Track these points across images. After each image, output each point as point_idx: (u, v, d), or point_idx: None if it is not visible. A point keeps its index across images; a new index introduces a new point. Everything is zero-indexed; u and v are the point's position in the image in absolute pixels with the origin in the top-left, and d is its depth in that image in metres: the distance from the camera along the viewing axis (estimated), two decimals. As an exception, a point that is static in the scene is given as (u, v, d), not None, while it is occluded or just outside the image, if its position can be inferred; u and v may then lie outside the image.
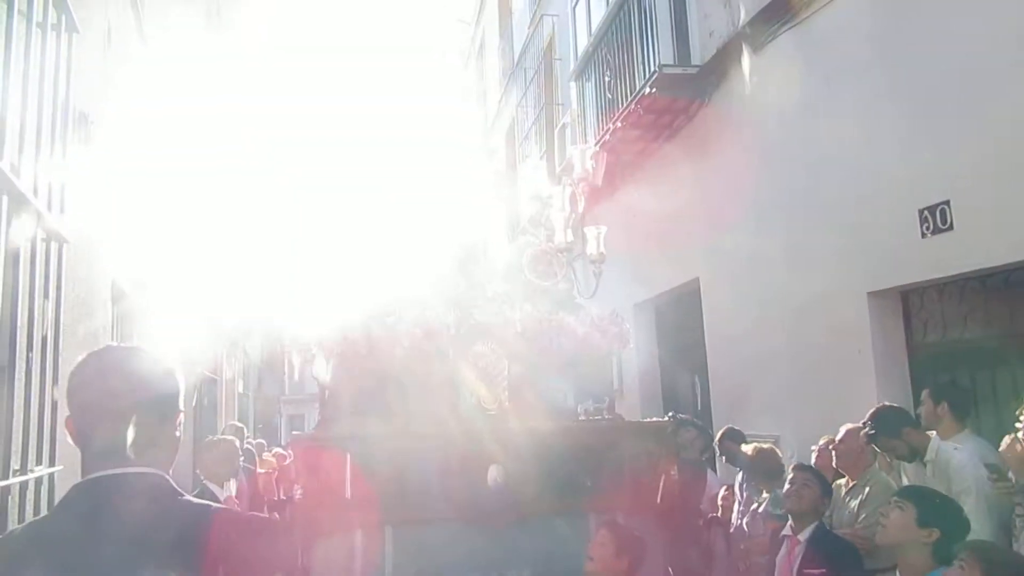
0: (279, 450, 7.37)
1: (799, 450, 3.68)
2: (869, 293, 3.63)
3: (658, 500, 2.73)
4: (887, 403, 2.88)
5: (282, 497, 5.49)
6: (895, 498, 2.06)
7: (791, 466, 2.85)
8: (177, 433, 1.10)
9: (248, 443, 6.09)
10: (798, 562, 2.52)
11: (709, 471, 4.10)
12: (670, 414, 4.56)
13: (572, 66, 7.01)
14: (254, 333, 12.59)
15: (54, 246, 2.30)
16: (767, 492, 3.22)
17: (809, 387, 4.02)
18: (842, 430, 2.97)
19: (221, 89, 7.70)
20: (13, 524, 1.90)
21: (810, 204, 4.06)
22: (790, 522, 2.65)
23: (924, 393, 2.81)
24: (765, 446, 3.43)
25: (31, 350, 2.09)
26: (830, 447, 3.04)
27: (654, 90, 5.03)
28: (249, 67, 11.10)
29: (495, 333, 2.92)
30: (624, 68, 5.60)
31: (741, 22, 4.62)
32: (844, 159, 3.76)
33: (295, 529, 2.54)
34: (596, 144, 5.89)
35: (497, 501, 2.61)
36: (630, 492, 2.73)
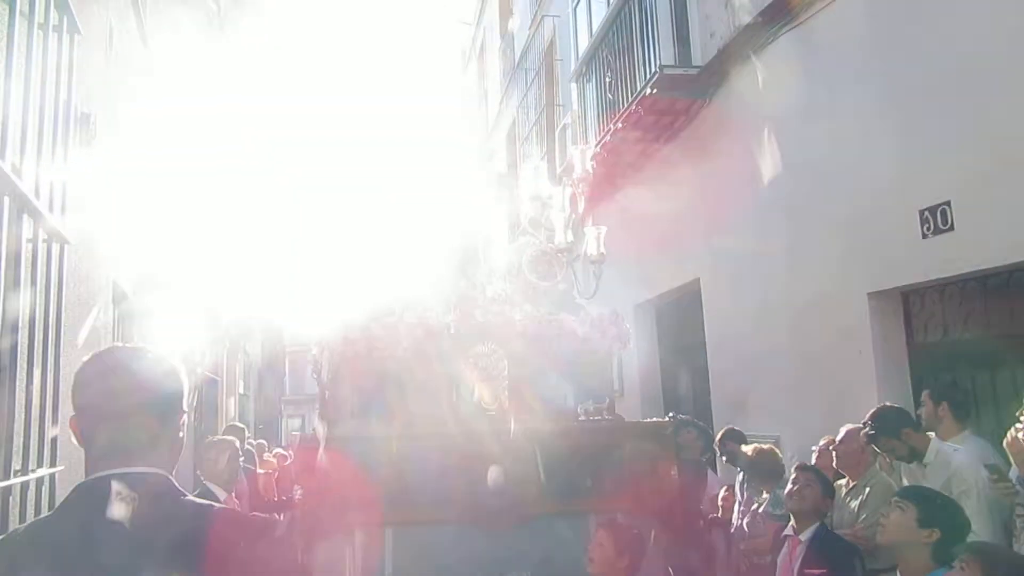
0: (280, 451, 7.39)
1: (799, 451, 3.67)
2: (869, 293, 3.63)
3: (658, 501, 2.73)
4: (888, 403, 2.88)
5: (282, 497, 5.50)
6: (895, 499, 2.06)
7: (793, 466, 2.84)
8: (181, 434, 1.11)
9: (249, 443, 6.09)
10: (799, 562, 2.51)
11: (710, 472, 4.09)
12: (671, 414, 4.56)
13: (573, 67, 7.01)
14: (254, 333, 12.60)
15: (55, 247, 2.30)
16: (767, 492, 3.22)
17: (809, 388, 4.02)
18: (842, 431, 2.97)
19: (222, 90, 7.71)
20: (14, 524, 1.90)
21: (810, 205, 4.06)
22: (792, 522, 2.65)
23: (924, 394, 2.81)
24: (765, 446, 3.43)
25: (32, 350, 2.09)
26: (830, 448, 3.04)
27: (655, 91, 5.03)
28: (250, 68, 11.12)
29: (495, 333, 2.92)
30: (625, 69, 5.61)
31: (742, 23, 4.63)
32: (844, 159, 3.77)
33: (295, 530, 2.54)
34: (597, 145, 5.89)
35: (497, 502, 2.61)
36: (630, 493, 2.73)
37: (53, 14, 2.24)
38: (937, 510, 1.95)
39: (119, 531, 0.95)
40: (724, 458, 4.04)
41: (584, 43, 6.68)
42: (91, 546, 0.94)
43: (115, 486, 0.99)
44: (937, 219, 3.16)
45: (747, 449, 3.46)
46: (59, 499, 2.24)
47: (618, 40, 5.80)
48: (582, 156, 3.44)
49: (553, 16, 8.44)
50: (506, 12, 11.39)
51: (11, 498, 1.96)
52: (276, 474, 6.25)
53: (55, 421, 2.26)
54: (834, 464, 2.98)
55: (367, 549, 2.59)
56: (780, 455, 3.41)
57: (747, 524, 3.32)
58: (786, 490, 2.69)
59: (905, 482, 2.65)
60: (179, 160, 5.45)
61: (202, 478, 3.49)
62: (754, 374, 4.54)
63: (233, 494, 3.74)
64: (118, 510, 0.97)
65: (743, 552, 3.30)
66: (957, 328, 3.44)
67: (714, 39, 5.01)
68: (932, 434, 2.65)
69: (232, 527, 1.04)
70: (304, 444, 2.92)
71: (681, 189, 5.49)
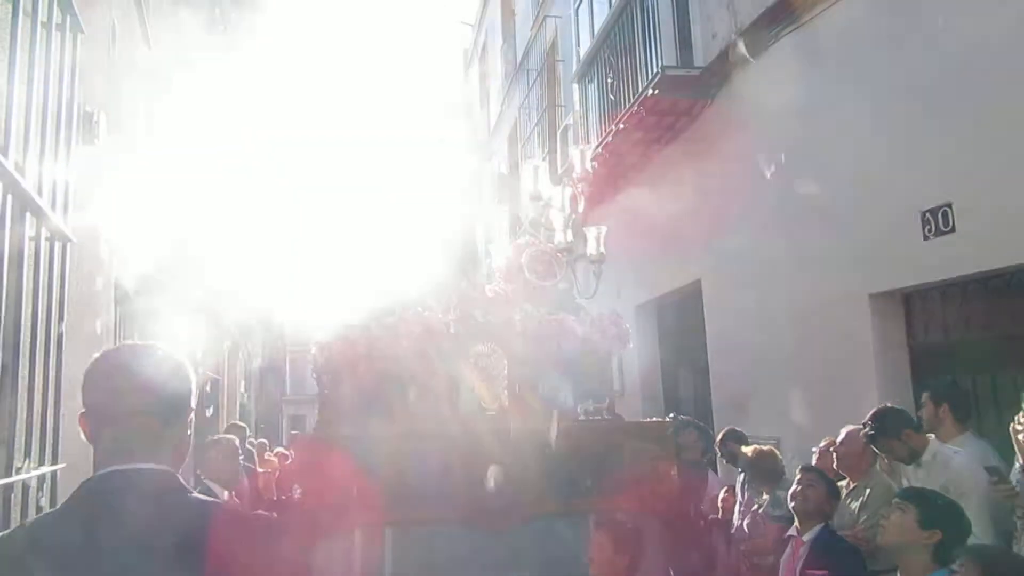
0: (281, 450, 7.39)
1: (800, 452, 3.67)
2: (871, 295, 3.62)
3: (658, 501, 2.73)
4: (888, 404, 2.87)
5: (281, 497, 5.50)
6: (896, 500, 2.06)
7: (798, 467, 2.84)
8: (188, 432, 1.11)
9: (250, 442, 6.10)
10: (801, 563, 2.51)
11: (710, 472, 4.09)
12: (671, 415, 4.55)
13: (575, 68, 7.02)
14: (256, 333, 12.61)
15: (58, 245, 2.31)
16: (767, 493, 3.22)
17: (810, 389, 4.02)
18: (843, 432, 2.96)
19: (225, 90, 7.72)
20: (16, 522, 1.91)
21: (812, 206, 4.06)
22: (795, 523, 2.64)
23: (925, 395, 2.81)
24: (765, 448, 3.42)
25: (35, 349, 2.10)
26: (831, 449, 3.04)
27: (657, 91, 5.03)
28: (252, 69, 11.13)
29: (495, 333, 2.92)
30: (627, 70, 5.61)
31: (743, 24, 4.63)
32: (846, 161, 3.76)
33: (294, 529, 2.54)
34: (599, 146, 5.90)
35: (497, 502, 2.61)
36: (630, 493, 2.73)
37: (56, 13, 2.25)
38: (938, 511, 1.95)
39: (122, 527, 0.95)
40: (724, 459, 4.03)
41: (586, 44, 6.69)
42: (94, 542, 0.94)
43: (120, 482, 1.00)
44: (938, 221, 3.16)
45: (747, 450, 3.45)
46: (61, 497, 2.25)
47: (620, 41, 5.81)
48: (582, 156, 3.44)
49: (555, 17, 8.45)
50: (508, 13, 11.40)
51: (13, 496, 1.97)
52: (277, 474, 6.25)
53: (57, 419, 2.27)
54: (835, 465, 2.98)
55: (367, 549, 2.59)
56: (780, 456, 3.41)
57: (747, 525, 3.32)
58: (790, 490, 2.69)
59: (905, 484, 2.65)
60: (181, 160, 5.47)
61: (202, 477, 3.49)
62: (755, 375, 4.53)
63: (233, 493, 3.75)
64: (122, 506, 0.97)
65: (743, 553, 3.30)
66: (958, 329, 3.43)
67: (716, 40, 5.01)
68: (932, 436, 2.65)
69: (235, 525, 1.05)
70: (303, 444, 2.92)
71: (683, 190, 5.49)
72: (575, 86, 7.06)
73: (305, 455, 2.76)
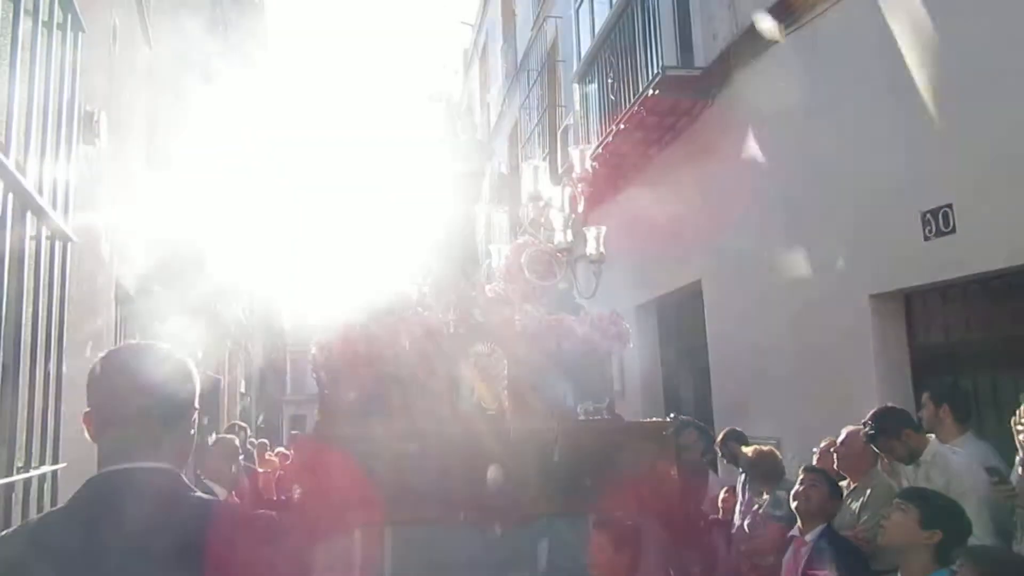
0: (282, 450, 7.40)
1: (800, 452, 3.67)
2: (871, 295, 3.62)
3: (658, 501, 2.73)
4: (889, 404, 2.87)
5: (281, 497, 5.50)
6: (897, 500, 2.06)
7: (800, 467, 2.84)
8: (192, 431, 1.11)
9: (250, 442, 6.10)
10: (803, 563, 2.51)
11: (710, 472, 4.09)
12: (672, 415, 4.55)
13: (575, 68, 7.02)
14: (256, 333, 12.62)
15: (58, 245, 2.31)
16: (767, 494, 3.22)
17: (811, 389, 4.02)
18: (843, 432, 2.96)
19: (225, 90, 7.72)
20: (16, 521, 1.91)
21: (813, 206, 4.06)
22: (798, 523, 2.64)
23: (925, 396, 2.80)
24: (765, 448, 3.42)
25: (35, 348, 2.10)
26: (831, 449, 3.03)
27: (657, 92, 5.03)
28: (253, 69, 11.14)
29: (495, 333, 2.92)
30: (627, 70, 5.61)
31: (744, 24, 4.63)
32: (846, 161, 3.76)
33: (295, 529, 2.54)
34: (599, 146, 5.90)
35: (497, 501, 2.61)
36: (630, 493, 2.72)
37: (57, 12, 2.25)
38: (939, 511, 1.95)
39: (124, 526, 0.96)
40: (725, 459, 4.03)
41: (586, 44, 6.69)
42: (96, 541, 0.94)
43: (123, 481, 1.00)
44: (939, 221, 3.16)
45: (747, 450, 3.45)
46: (61, 496, 2.25)
47: (620, 41, 5.81)
48: (582, 156, 3.44)
49: (555, 17, 8.45)
50: (508, 13, 11.40)
51: (13, 495, 1.97)
52: (277, 473, 6.25)
53: (58, 419, 2.27)
54: (835, 465, 2.98)
55: (367, 549, 2.59)
56: (779, 456, 3.41)
57: (748, 525, 3.32)
58: (792, 491, 2.69)
59: (905, 484, 2.65)
60: (182, 160, 5.47)
61: (202, 477, 3.49)
62: (755, 375, 4.53)
63: (234, 493, 3.75)
64: (124, 505, 0.98)
65: (743, 553, 3.30)
66: (959, 330, 3.43)
67: (717, 40, 5.01)
68: (932, 436, 2.65)
69: (237, 524, 1.05)
70: (303, 444, 2.92)
71: (683, 190, 5.49)
72: (575, 86, 7.06)
73: (304, 455, 2.76)
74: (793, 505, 2.63)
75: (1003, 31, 2.91)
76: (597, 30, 6.39)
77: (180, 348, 1.15)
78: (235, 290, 7.88)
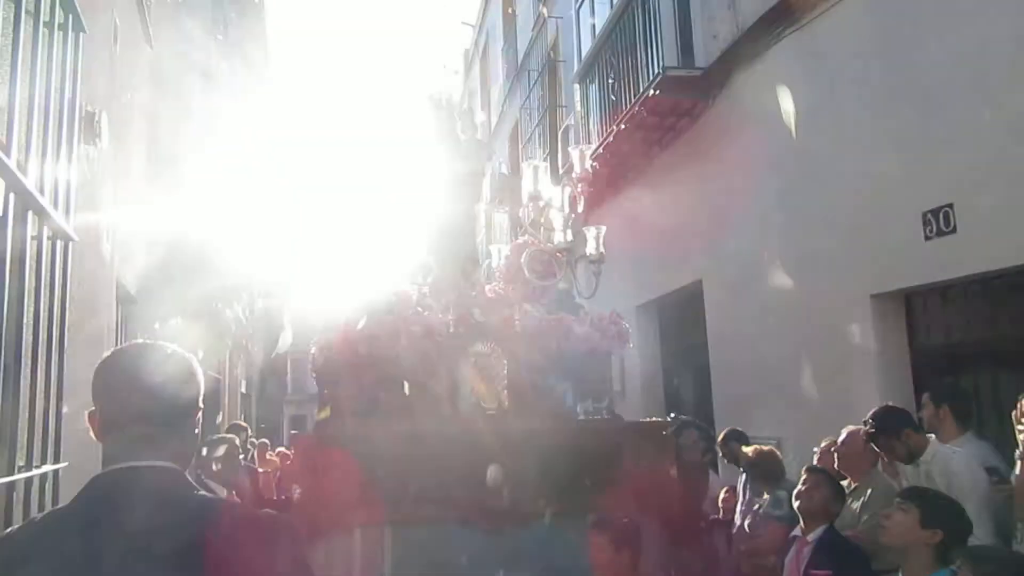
0: (283, 449, 7.41)
1: (801, 452, 3.67)
2: (872, 296, 3.62)
3: (658, 500, 2.73)
4: (891, 403, 2.87)
5: (281, 497, 5.51)
6: (898, 500, 2.06)
7: (804, 468, 2.84)
8: (196, 430, 1.12)
9: (251, 442, 6.11)
10: (805, 563, 2.51)
11: (711, 472, 4.09)
12: (672, 415, 4.55)
13: (576, 68, 7.02)
14: (257, 333, 12.63)
15: (60, 244, 2.32)
16: (767, 493, 3.22)
17: (811, 389, 4.02)
18: (844, 432, 2.96)
19: (226, 90, 7.73)
20: (18, 520, 1.91)
21: (813, 206, 4.05)
22: (800, 523, 2.64)
23: (925, 396, 2.80)
24: (765, 448, 3.42)
25: (37, 348, 2.10)
26: (832, 449, 3.03)
27: (658, 92, 5.03)
28: (253, 69, 11.15)
29: (495, 333, 2.93)
30: (628, 70, 5.61)
31: (745, 25, 4.63)
32: (847, 161, 3.76)
33: (298, 529, 2.54)
34: (600, 146, 5.90)
35: (497, 502, 2.61)
36: (630, 492, 2.72)
37: (58, 12, 2.25)
38: (940, 511, 1.95)
39: (127, 524, 0.96)
40: (726, 459, 4.03)
41: (587, 44, 6.69)
42: (99, 539, 0.95)
43: (127, 479, 1.01)
44: (940, 221, 3.16)
45: (747, 450, 3.45)
46: (63, 495, 2.26)
47: (621, 41, 5.81)
48: (581, 156, 3.44)
49: (556, 17, 8.45)
50: (509, 14, 11.41)
51: (15, 494, 1.97)
52: (278, 473, 6.26)
53: (59, 418, 2.27)
54: (835, 465, 2.98)
55: (366, 549, 2.59)
56: (779, 456, 3.41)
57: (748, 525, 3.32)
58: (795, 490, 2.69)
59: (906, 484, 2.65)
60: (183, 160, 5.47)
61: (203, 476, 3.50)
62: (756, 375, 4.53)
63: (234, 492, 3.75)
64: (128, 503, 0.98)
65: (743, 553, 3.30)
66: (959, 331, 3.43)
67: (717, 41, 5.01)
68: (932, 436, 2.65)
69: (240, 523, 1.05)
70: (302, 443, 2.93)
71: (684, 190, 5.49)
72: (576, 87, 7.06)
73: (304, 455, 2.76)
74: (796, 505, 2.63)
75: (1003, 31, 2.91)
76: (598, 30, 6.39)
77: (180, 348, 1.15)
78: (236, 290, 7.89)
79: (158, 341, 1.13)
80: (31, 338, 2.08)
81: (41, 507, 2.10)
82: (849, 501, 2.88)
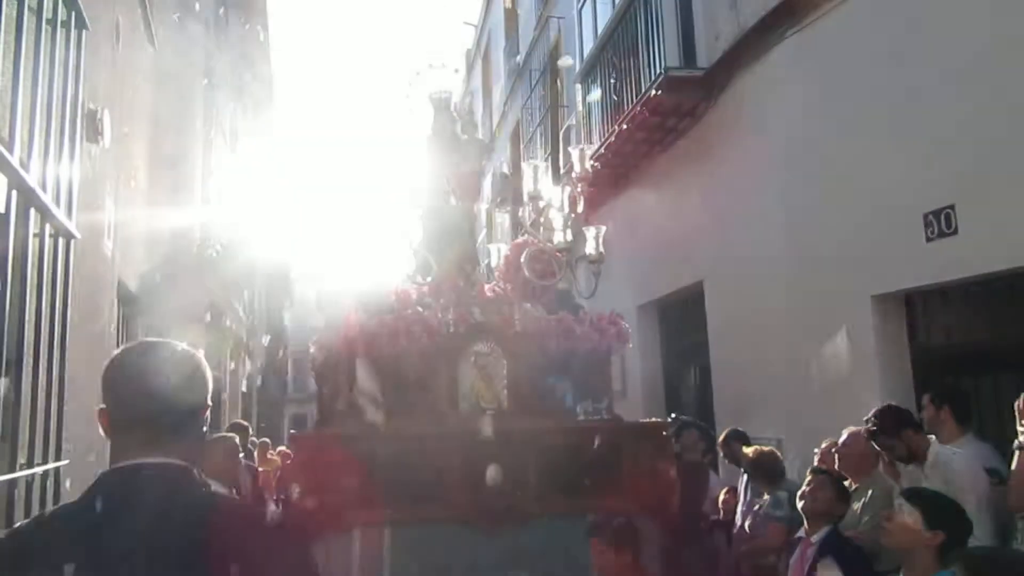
0: (283, 448, 7.41)
1: (801, 453, 3.67)
2: (873, 296, 3.62)
3: (657, 500, 2.73)
4: (893, 403, 2.87)
5: (281, 496, 5.51)
6: (899, 501, 2.05)
7: (808, 469, 2.84)
8: (204, 428, 1.13)
9: (252, 442, 6.11)
10: (809, 564, 2.51)
11: (711, 473, 4.09)
12: (672, 415, 4.55)
13: (578, 68, 7.02)
14: (258, 332, 12.63)
15: (62, 242, 2.32)
16: (768, 494, 3.22)
17: (812, 390, 4.01)
18: (845, 433, 2.96)
19: (226, 89, 7.73)
20: (20, 517, 1.91)
21: (814, 207, 4.05)
22: (804, 524, 2.64)
23: (926, 397, 2.80)
24: (766, 448, 3.42)
25: (39, 345, 2.11)
26: (832, 450, 3.03)
27: (660, 92, 5.03)
28: (253, 68, 11.15)
29: (495, 333, 2.92)
30: (630, 70, 5.61)
31: (747, 25, 4.63)
32: (849, 162, 3.76)
33: (302, 529, 2.54)
34: (601, 146, 5.90)
35: (497, 502, 2.61)
36: (629, 492, 2.72)
37: (61, 9, 2.26)
38: (941, 512, 1.94)
39: (133, 519, 0.96)
40: (727, 459, 4.03)
41: (589, 44, 6.69)
42: (104, 533, 0.95)
43: (134, 476, 1.01)
44: (941, 222, 3.16)
45: (748, 450, 3.45)
46: (64, 493, 2.26)
47: (623, 42, 5.81)
48: (581, 156, 3.44)
49: (558, 17, 8.45)
50: (511, 14, 11.41)
51: (16, 491, 1.97)
52: (279, 472, 6.26)
53: (61, 416, 2.27)
54: (836, 466, 2.97)
55: (366, 549, 2.59)
56: (780, 457, 3.41)
57: (749, 526, 3.32)
58: (799, 491, 2.68)
59: (906, 485, 2.65)
60: (184, 159, 5.48)
61: (203, 475, 3.49)
62: (757, 376, 4.53)
63: (235, 491, 3.75)
64: (134, 499, 0.99)
65: (744, 554, 3.30)
66: (960, 331, 3.43)
67: (719, 41, 5.01)
68: (932, 437, 2.65)
69: (246, 521, 1.06)
70: (302, 442, 2.93)
71: (685, 191, 5.49)
72: (578, 86, 7.06)
73: (303, 454, 2.76)
74: (799, 506, 2.63)
75: (1005, 31, 2.91)
76: (600, 30, 6.39)
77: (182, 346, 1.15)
78: (237, 288, 7.89)
79: (167, 340, 1.14)
80: (33, 336, 2.08)
81: (43, 504, 2.10)
82: (850, 501, 2.88)
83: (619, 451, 2.83)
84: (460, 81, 14.64)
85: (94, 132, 2.97)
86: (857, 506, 2.82)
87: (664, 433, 3.05)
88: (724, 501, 3.79)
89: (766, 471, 3.27)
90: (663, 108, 5.21)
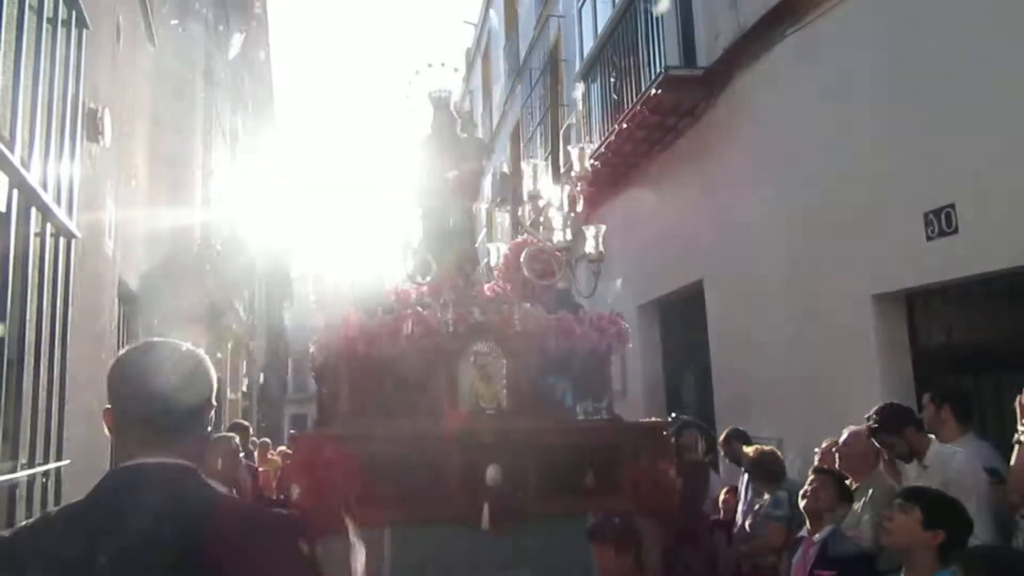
0: (284, 448, 7.41)
1: (802, 453, 3.67)
2: (873, 296, 3.62)
3: (657, 500, 2.73)
4: (895, 401, 2.87)
5: (280, 496, 5.51)
6: (899, 500, 2.04)
7: (811, 468, 2.84)
8: (208, 428, 1.13)
9: (252, 442, 6.11)
10: (811, 563, 2.51)
11: (712, 472, 4.09)
12: (673, 415, 4.55)
13: (578, 67, 7.02)
14: (258, 332, 12.63)
15: (63, 241, 2.32)
16: (768, 493, 3.22)
17: (812, 389, 4.01)
18: (846, 432, 2.95)
19: (226, 88, 7.73)
20: (21, 517, 1.91)
21: (815, 206, 4.05)
22: (807, 524, 2.64)
23: (926, 397, 2.80)
24: (766, 448, 3.42)
25: (40, 344, 2.11)
26: (833, 449, 3.03)
27: (660, 91, 5.03)
28: (254, 68, 11.15)
29: (494, 332, 2.92)
30: (630, 69, 5.61)
31: (747, 25, 4.62)
32: (849, 161, 3.76)
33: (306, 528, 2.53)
34: (601, 145, 5.90)
35: (496, 502, 2.61)
36: (629, 492, 2.72)
37: (62, 8, 2.25)
38: (941, 511, 1.94)
39: (136, 520, 0.97)
40: (728, 458, 4.03)
41: (589, 43, 6.69)
42: (107, 535, 0.95)
43: (142, 475, 1.02)
44: (941, 222, 3.16)
45: (749, 450, 3.45)
46: (65, 493, 2.26)
47: (623, 40, 5.80)
48: (580, 155, 3.44)
49: (558, 16, 8.45)
50: (511, 13, 11.40)
51: (17, 491, 1.97)
52: (279, 472, 6.26)
53: (62, 415, 2.27)
54: (837, 465, 2.97)
55: (365, 548, 2.59)
56: (781, 456, 3.41)
57: (749, 525, 3.32)
58: (801, 490, 2.68)
59: (908, 483, 2.64)
60: (184, 158, 5.48)
61: (203, 474, 3.49)
62: (757, 375, 4.53)
63: (235, 491, 3.75)
64: (137, 500, 0.99)
65: (744, 553, 3.30)
66: (960, 331, 3.43)
67: (719, 40, 5.01)
68: (933, 436, 2.65)
69: (249, 520, 1.06)
70: (301, 442, 2.93)
71: (685, 190, 5.48)
72: (578, 85, 7.05)
73: (302, 454, 2.76)
74: (801, 505, 2.63)
75: (1006, 31, 2.91)
76: (600, 29, 6.39)
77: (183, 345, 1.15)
78: (237, 289, 7.89)
79: (171, 340, 1.14)
80: (34, 335, 2.08)
81: (44, 504, 2.10)
82: (852, 501, 2.88)
83: (619, 451, 2.83)
84: (460, 80, 14.62)
85: (95, 131, 2.97)
86: (857, 506, 2.82)
87: (664, 433, 3.05)
88: (724, 501, 3.79)
89: (766, 471, 3.28)
90: (663, 107, 5.20)
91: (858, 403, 3.29)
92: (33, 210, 2.02)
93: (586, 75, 6.65)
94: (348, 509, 2.36)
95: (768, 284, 4.44)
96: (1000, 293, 3.16)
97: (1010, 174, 2.86)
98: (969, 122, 3.04)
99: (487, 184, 9.99)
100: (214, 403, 1.13)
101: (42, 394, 2.12)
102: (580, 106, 5.86)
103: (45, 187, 2.09)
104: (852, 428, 2.94)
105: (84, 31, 2.43)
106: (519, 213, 5.06)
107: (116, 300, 3.91)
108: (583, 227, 3.39)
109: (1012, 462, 2.18)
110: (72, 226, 2.33)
